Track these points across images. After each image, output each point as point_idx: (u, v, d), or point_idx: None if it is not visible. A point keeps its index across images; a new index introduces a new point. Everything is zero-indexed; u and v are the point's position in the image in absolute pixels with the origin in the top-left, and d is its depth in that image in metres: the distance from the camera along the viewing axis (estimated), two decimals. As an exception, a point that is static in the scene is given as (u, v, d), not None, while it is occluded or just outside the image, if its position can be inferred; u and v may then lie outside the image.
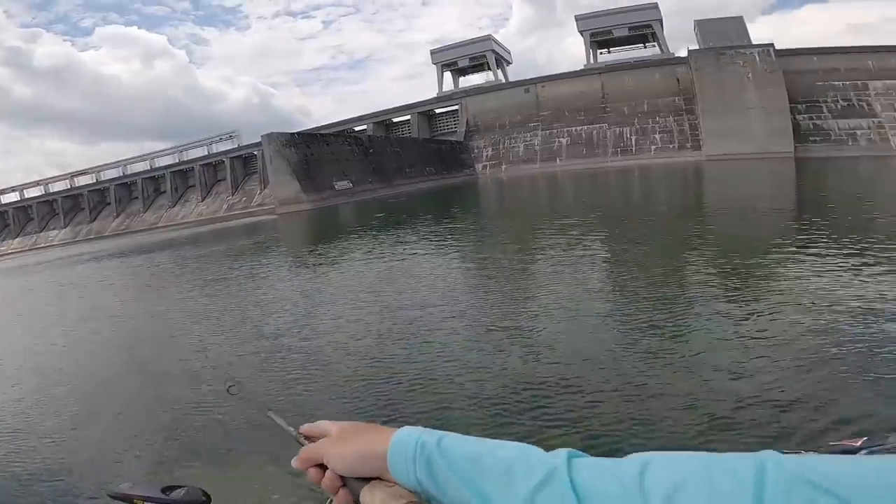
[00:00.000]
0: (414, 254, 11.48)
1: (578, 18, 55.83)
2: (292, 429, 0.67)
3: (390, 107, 58.06)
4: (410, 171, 43.86)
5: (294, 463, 0.57)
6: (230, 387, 1.09)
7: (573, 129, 49.59)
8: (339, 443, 0.53)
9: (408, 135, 53.58)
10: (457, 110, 56.41)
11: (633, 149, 46.11)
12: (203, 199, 52.97)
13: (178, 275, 15.05)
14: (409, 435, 0.49)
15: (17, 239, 59.70)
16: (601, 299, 6.22)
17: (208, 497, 0.97)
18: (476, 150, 52.68)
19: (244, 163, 53.77)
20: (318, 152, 38.11)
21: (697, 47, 45.08)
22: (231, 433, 3.93)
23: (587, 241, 10.12)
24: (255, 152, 49.94)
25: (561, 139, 49.80)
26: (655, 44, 53.79)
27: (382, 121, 57.27)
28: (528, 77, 55.84)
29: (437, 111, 58.74)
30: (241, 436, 3.86)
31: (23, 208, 62.64)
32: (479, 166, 51.61)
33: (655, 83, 46.46)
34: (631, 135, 46.76)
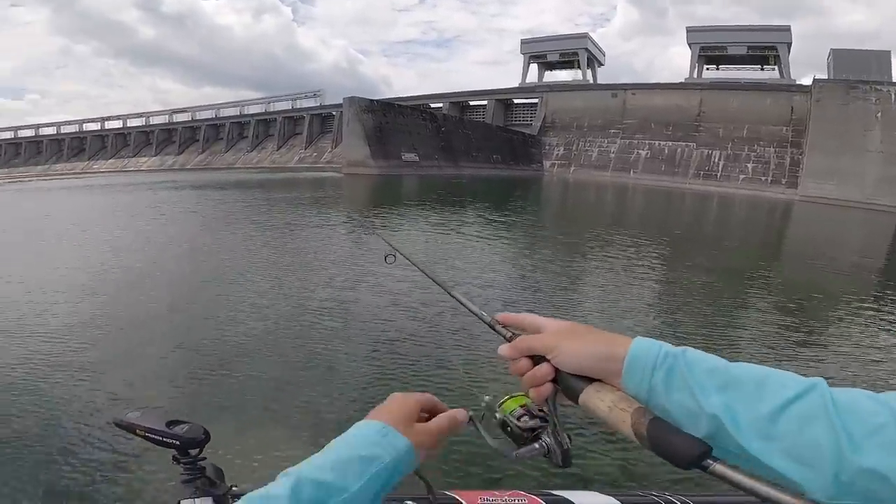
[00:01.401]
0: (467, 238, 11.54)
1: (690, 30, 52.23)
2: (485, 313, 0.66)
3: (469, 89, 57.83)
4: (477, 156, 43.60)
5: (504, 350, 0.57)
6: (387, 256, 1.21)
7: (656, 142, 46.66)
8: (571, 339, 0.53)
9: (481, 120, 53.18)
10: (535, 103, 54.88)
11: (719, 174, 42.72)
12: (278, 149, 56.21)
13: (250, 215, 16.30)
14: (651, 343, 0.49)
15: (110, 160, 66.34)
16: (637, 322, 6.04)
17: (208, 435, 0.99)
18: (547, 147, 51.32)
19: (322, 121, 56.30)
20: (392, 122, 38.87)
21: (825, 77, 40.90)
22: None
23: (645, 262, 9.54)
24: (334, 113, 52.08)
25: (640, 151, 47.10)
26: (776, 67, 49.22)
27: (459, 102, 57.17)
28: (618, 81, 53.42)
29: (516, 101, 57.67)
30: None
31: (122, 135, 69.38)
32: (546, 163, 50.28)
33: (765, 109, 42.38)
34: (720, 159, 43.21)
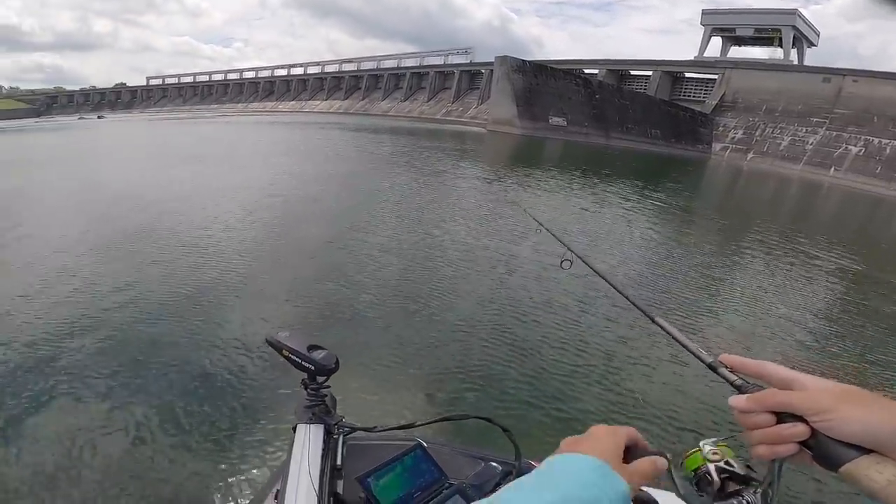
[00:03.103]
0: (600, 213, 10.38)
1: None
2: (706, 353, 0.60)
3: (629, 58, 52.39)
4: (633, 129, 39.78)
5: (741, 404, 0.52)
6: (563, 261, 1.36)
7: (878, 139, 37.22)
8: (854, 405, 0.47)
9: (643, 91, 47.91)
10: (712, 80, 47.60)
11: None
12: (428, 101, 59.01)
13: (405, 160, 17.25)
14: None
15: (292, 102, 76.97)
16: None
17: (337, 365, 1.05)
18: (721, 128, 44.33)
19: (470, 77, 57.18)
20: (543, 84, 37.35)
21: None
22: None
23: (801, 275, 7.41)
24: (482, 70, 52.30)
25: (851, 146, 37.95)
26: None
27: (618, 70, 52.23)
28: (832, 66, 43.18)
29: (687, 75, 50.59)
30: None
31: (302, 80, 79.81)
32: (717, 146, 43.61)
33: None
34: None
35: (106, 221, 7.37)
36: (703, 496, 0.54)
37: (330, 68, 78.24)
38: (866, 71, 40.65)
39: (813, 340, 5.02)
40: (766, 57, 49.08)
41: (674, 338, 0.68)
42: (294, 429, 1.04)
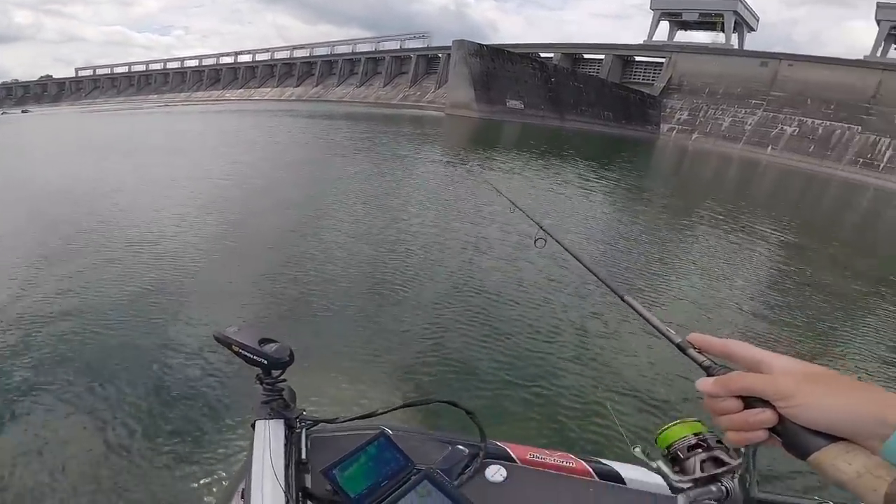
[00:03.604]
0: (563, 194, 10.62)
1: (881, 6, 42.72)
2: (674, 331, 0.58)
3: (583, 42, 53.45)
4: (586, 111, 40.97)
5: (707, 387, 0.49)
6: (537, 240, 1.26)
7: (809, 120, 40.46)
8: (821, 389, 0.44)
9: (595, 74, 49.17)
10: (660, 63, 49.62)
11: (882, 164, 35.88)
12: (384, 86, 58.03)
13: (361, 145, 16.81)
14: None
15: (240, 90, 73.15)
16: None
17: (292, 357, 1.03)
18: (668, 110, 46.46)
19: (427, 62, 56.66)
20: (500, 68, 37.58)
21: None
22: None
23: (748, 249, 7.95)
24: (439, 55, 52.01)
25: (786, 126, 41.01)
26: None
27: (572, 54, 53.34)
28: (770, 50, 46.11)
29: (637, 59, 52.37)
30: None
31: (251, 67, 75.90)
32: (664, 127, 45.73)
33: None
34: (888, 148, 36.21)
35: (38, 220, 6.75)
36: (678, 473, 0.52)
37: (280, 55, 74.77)
38: (801, 56, 43.55)
39: (764, 309, 5.31)
40: (710, 41, 51.57)
41: (643, 317, 0.66)
42: (253, 425, 1.02)
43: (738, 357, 0.50)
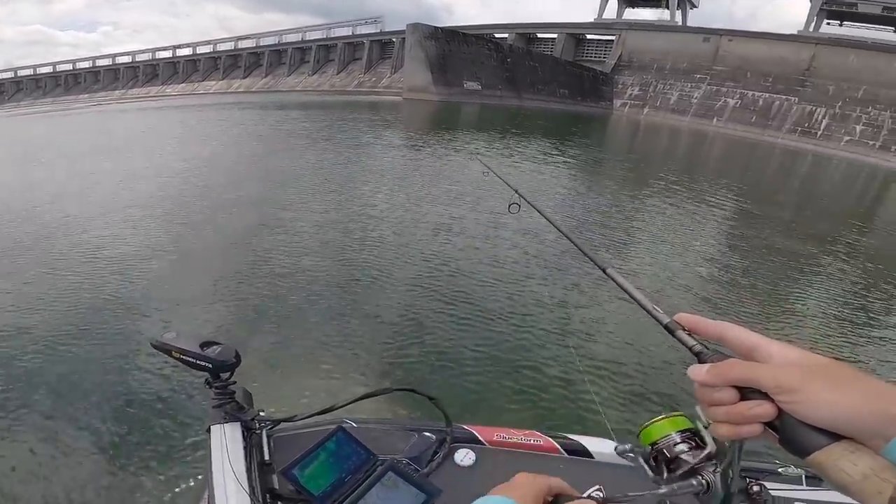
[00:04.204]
0: (527, 171, 10.65)
1: None
2: (660, 310, 0.53)
3: (536, 21, 53.76)
4: (543, 89, 41.46)
5: (700, 376, 0.45)
6: (511, 205, 1.25)
7: (750, 92, 42.83)
8: (826, 384, 0.40)
9: (549, 53, 49.63)
10: (611, 41, 50.79)
11: (819, 133, 38.59)
12: (338, 73, 56.22)
13: (320, 134, 16.13)
14: None
15: (181, 84, 68.76)
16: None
17: (239, 358, 1.01)
18: (620, 86, 47.76)
19: (381, 47, 55.24)
20: (456, 50, 37.23)
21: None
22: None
23: (707, 216, 8.28)
24: (394, 39, 50.86)
25: (729, 99, 43.23)
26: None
27: (526, 34, 53.60)
28: (712, 26, 47.92)
29: (589, 37, 53.38)
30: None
31: (192, 61, 71.29)
32: (617, 102, 47.05)
33: (891, 72, 36.92)
34: (824, 117, 38.85)
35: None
36: (657, 475, 0.51)
37: (223, 46, 70.63)
38: (739, 31, 45.91)
39: (731, 276, 5.34)
40: (656, 18, 53.32)
41: (627, 293, 0.61)
42: (209, 430, 0.98)
43: (732, 342, 0.47)
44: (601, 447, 1.09)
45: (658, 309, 0.54)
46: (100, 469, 2.41)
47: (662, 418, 0.53)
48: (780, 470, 1.01)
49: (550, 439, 1.10)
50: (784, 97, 40.59)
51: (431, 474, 1.00)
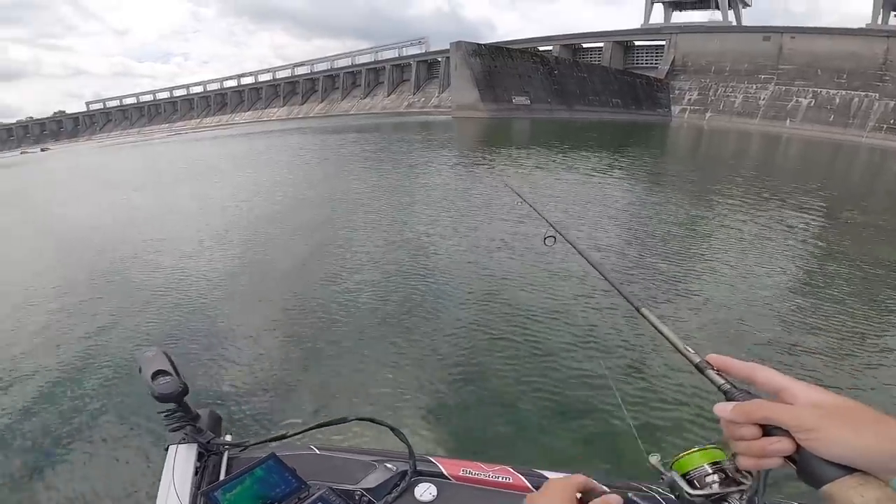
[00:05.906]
0: (579, 189, 10.09)
1: None
2: (693, 351, 0.57)
3: (581, 31, 53.11)
4: (594, 100, 40.78)
5: (726, 413, 0.49)
6: (546, 238, 1.20)
7: (824, 90, 39.88)
8: (842, 423, 0.44)
9: (597, 62, 48.73)
10: (661, 46, 49.09)
11: None
12: (388, 95, 58.67)
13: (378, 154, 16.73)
14: None
15: (248, 112, 74.51)
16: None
17: (183, 392, 1.04)
18: (677, 91, 45.89)
19: (428, 67, 56.98)
20: (501, 65, 37.53)
21: None
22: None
23: (786, 233, 6.97)
24: (439, 59, 52.25)
25: (801, 98, 40.38)
26: None
27: (571, 45, 52.98)
28: (768, 24, 45.60)
29: (637, 44, 51.85)
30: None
31: (255, 89, 77.26)
32: (676, 108, 45.17)
33: None
34: None
35: (91, 252, 6.88)
36: (689, 500, 0.52)
37: (282, 74, 75.91)
38: (801, 28, 43.10)
39: (802, 317, 4.16)
40: (706, 20, 50.85)
41: (660, 332, 0.64)
42: (166, 450, 1.03)
43: (761, 383, 0.50)
44: None
45: (689, 349, 0.57)
46: (57, 478, 2.51)
47: (698, 449, 0.54)
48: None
49: (521, 476, 1.05)
50: (863, 93, 37.66)
51: None
